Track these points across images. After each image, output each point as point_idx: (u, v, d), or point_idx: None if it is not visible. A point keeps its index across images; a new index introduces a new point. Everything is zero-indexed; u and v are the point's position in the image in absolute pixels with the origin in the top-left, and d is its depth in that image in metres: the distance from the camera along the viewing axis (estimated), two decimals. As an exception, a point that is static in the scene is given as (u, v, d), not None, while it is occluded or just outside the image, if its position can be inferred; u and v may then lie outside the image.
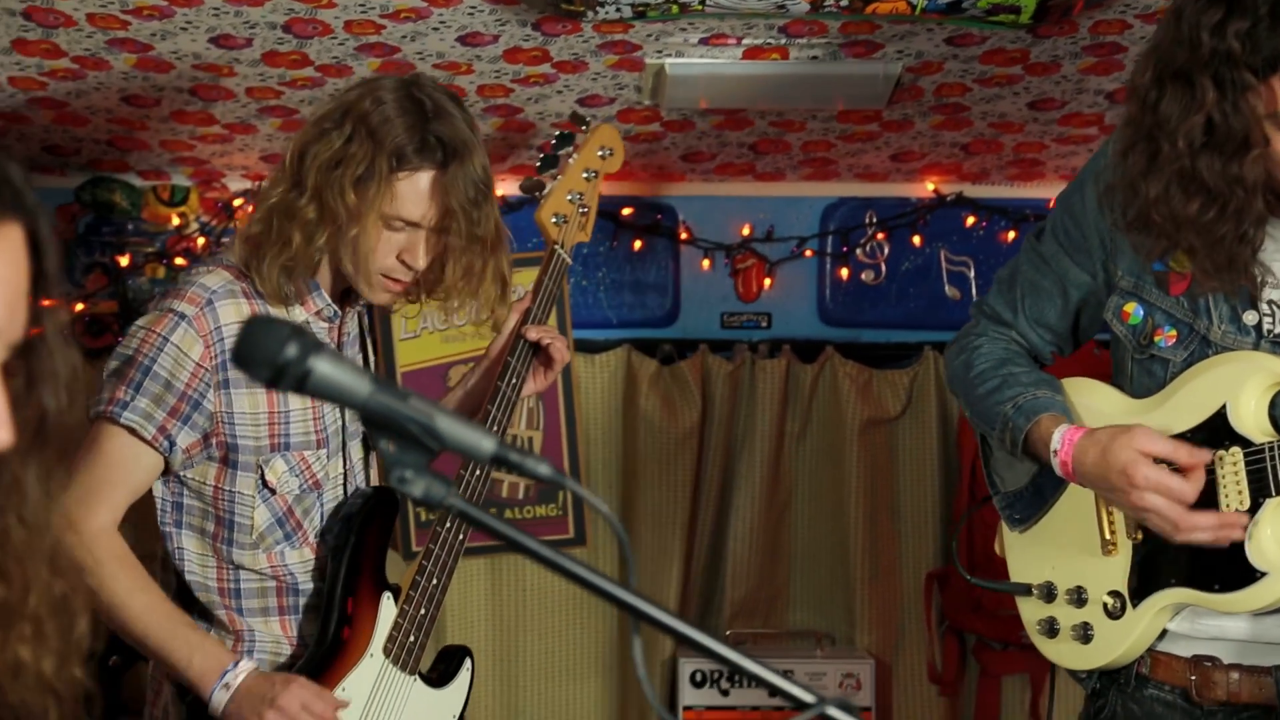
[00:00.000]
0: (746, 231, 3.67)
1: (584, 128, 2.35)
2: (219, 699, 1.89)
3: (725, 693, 3.43)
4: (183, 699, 1.96)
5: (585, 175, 2.33)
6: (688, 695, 3.44)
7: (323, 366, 1.05)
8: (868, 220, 3.68)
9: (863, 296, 3.68)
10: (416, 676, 2.07)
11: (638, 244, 3.65)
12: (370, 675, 2.01)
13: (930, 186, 3.64)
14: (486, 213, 1.99)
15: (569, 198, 2.31)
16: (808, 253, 3.68)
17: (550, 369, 2.20)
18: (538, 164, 2.34)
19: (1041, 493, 2.20)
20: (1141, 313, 2.07)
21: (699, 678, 3.43)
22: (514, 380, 2.14)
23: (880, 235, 3.67)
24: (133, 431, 1.90)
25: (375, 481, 2.15)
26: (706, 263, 3.67)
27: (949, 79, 2.97)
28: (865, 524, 3.61)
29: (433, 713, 2.11)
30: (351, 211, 1.92)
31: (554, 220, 2.29)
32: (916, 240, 3.66)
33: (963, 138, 3.32)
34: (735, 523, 3.65)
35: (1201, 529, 1.93)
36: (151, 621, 1.90)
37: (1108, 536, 2.09)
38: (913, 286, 3.69)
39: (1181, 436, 1.98)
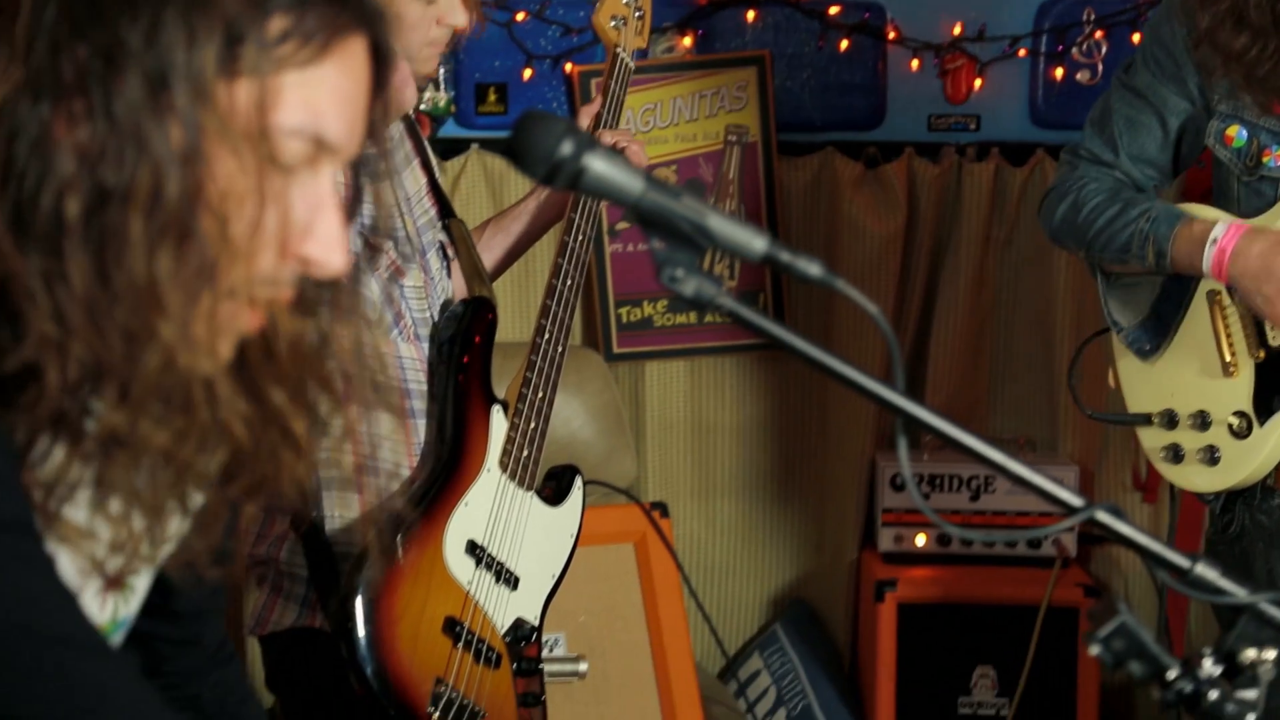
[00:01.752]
0: (957, 31, 3.55)
1: None
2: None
3: (926, 496, 3.44)
4: (297, 528, 1.97)
5: None
6: (887, 498, 3.46)
7: (597, 164, 1.05)
8: (1085, 18, 3.54)
9: (1077, 97, 3.55)
10: (533, 493, 2.07)
11: (844, 44, 3.56)
12: (490, 489, 2.01)
13: (1153, -19, 3.48)
14: None
15: (624, 1, 2.26)
16: (1021, 52, 3.55)
17: None
18: None
19: (1163, 318, 2.19)
20: (1245, 134, 2.07)
21: (899, 481, 3.45)
22: None
23: (1098, 33, 3.53)
24: None
25: (453, 294, 2.11)
26: (915, 63, 3.57)
27: None
28: (1071, 330, 3.55)
29: (551, 530, 2.12)
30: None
31: (612, 23, 2.25)
32: (1136, 38, 3.51)
33: (1193, -72, 3.16)
34: (938, 328, 3.62)
35: None
36: None
37: (1228, 358, 2.09)
38: (1130, 87, 3.56)
39: None
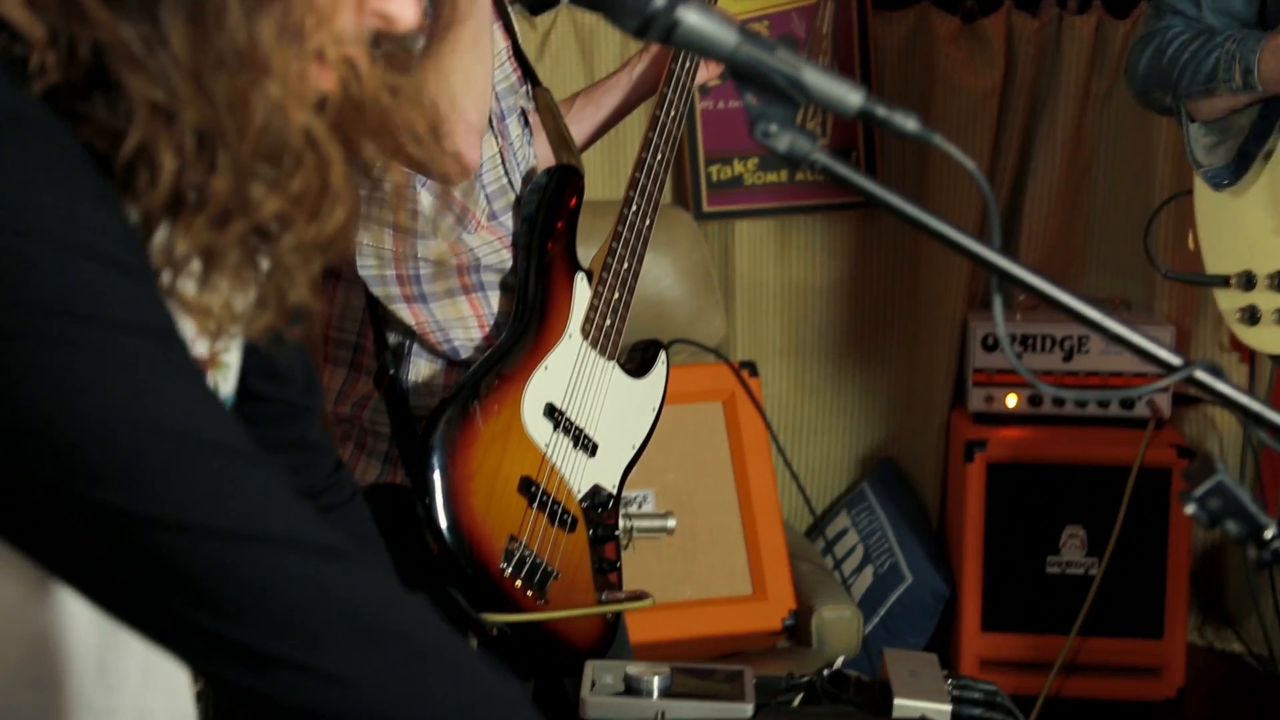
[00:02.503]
0: (1059, -125, 3.45)
1: None
2: None
3: (1018, 356, 3.42)
4: (379, 386, 1.96)
5: None
6: (978, 358, 3.44)
7: (691, 17, 1.03)
8: None
9: (1184, -54, 3.44)
10: (615, 363, 2.07)
11: (941, -108, 3.47)
12: (570, 356, 2.01)
13: None
14: None
15: None
16: (1126, -102, 3.45)
17: None
18: None
19: (1247, 158, 2.15)
20: None
21: (990, 341, 3.42)
22: (686, 64, 2.07)
23: (1207, -122, 3.41)
24: None
25: (537, 163, 2.10)
26: (1015, -89, 3.48)
27: None
28: (1171, 188, 3.48)
29: (632, 402, 2.11)
30: None
31: None
32: (1247, -117, 3.39)
33: None
34: (1033, 186, 3.57)
35: None
36: None
37: None
38: (1240, -66, 3.44)
39: None
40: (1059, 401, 3.38)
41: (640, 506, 3.02)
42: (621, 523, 2.90)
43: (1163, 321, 3.48)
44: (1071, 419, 3.40)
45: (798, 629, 3.03)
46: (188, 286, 0.94)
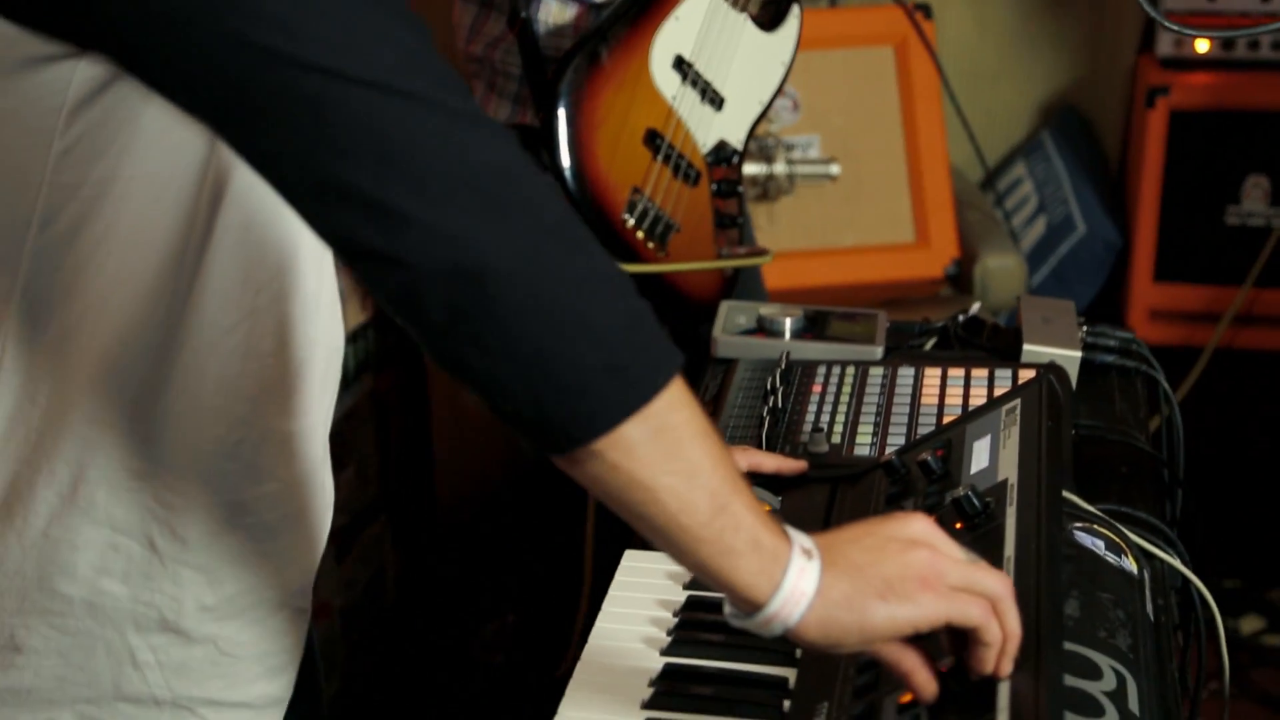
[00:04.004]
0: None
1: None
2: None
3: (1211, -3, 3.24)
4: (511, 26, 1.95)
5: None
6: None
7: None
8: None
9: None
10: (747, 16, 2.01)
11: None
12: (702, 6, 1.97)
13: None
14: None
15: None
16: None
17: None
18: None
19: None
20: None
21: (1183, -19, 3.24)
22: None
23: None
24: None
25: None
26: None
27: None
28: None
29: (762, 56, 2.05)
30: None
31: None
32: None
33: None
34: None
35: None
36: None
37: None
38: None
39: None
40: (1253, 44, 3.21)
41: (804, 152, 3.01)
42: (784, 168, 2.91)
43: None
44: (1266, 64, 3.23)
45: (961, 278, 3.02)
46: None
